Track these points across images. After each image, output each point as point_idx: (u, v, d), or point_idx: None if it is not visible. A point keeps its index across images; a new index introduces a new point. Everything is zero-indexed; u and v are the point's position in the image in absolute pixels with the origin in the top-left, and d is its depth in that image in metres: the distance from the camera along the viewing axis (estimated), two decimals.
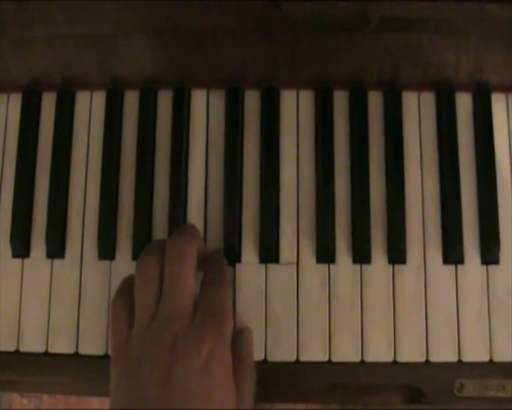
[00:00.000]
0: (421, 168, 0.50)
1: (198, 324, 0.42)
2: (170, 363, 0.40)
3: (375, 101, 0.51)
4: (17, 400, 0.71)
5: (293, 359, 0.47)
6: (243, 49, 0.48)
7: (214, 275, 0.46)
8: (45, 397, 0.71)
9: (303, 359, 0.47)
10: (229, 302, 0.45)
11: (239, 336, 0.46)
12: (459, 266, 0.49)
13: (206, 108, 0.51)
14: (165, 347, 0.41)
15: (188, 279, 0.43)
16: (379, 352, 0.48)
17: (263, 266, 0.49)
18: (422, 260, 0.49)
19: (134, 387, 0.40)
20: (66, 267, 0.49)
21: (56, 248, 0.49)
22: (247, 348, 0.46)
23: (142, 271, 0.44)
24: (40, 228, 0.50)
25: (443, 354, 0.48)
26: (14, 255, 0.49)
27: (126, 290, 0.45)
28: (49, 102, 0.51)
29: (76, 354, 0.48)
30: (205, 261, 0.47)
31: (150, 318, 0.42)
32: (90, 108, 0.51)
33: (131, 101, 0.51)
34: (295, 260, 0.49)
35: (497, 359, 0.48)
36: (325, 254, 0.49)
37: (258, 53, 0.48)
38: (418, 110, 0.51)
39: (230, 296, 0.46)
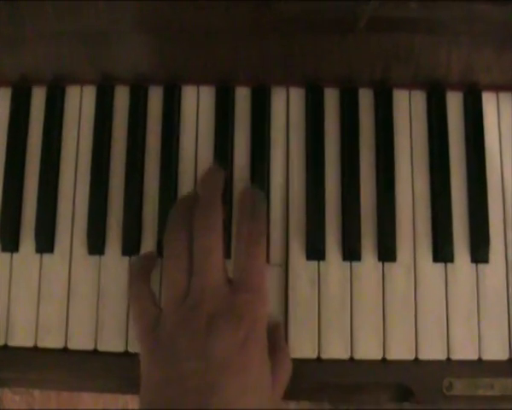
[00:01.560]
0: (412, 167, 0.50)
1: (236, 299, 0.42)
2: (206, 340, 0.40)
3: (365, 99, 0.51)
4: (8, 396, 0.71)
5: None
6: (234, 48, 0.48)
7: (250, 230, 0.44)
8: (37, 394, 0.71)
9: (292, 356, 0.47)
10: (264, 277, 0.44)
11: (274, 327, 0.46)
12: (449, 265, 0.49)
13: (196, 104, 0.51)
14: (201, 322, 0.40)
15: (218, 251, 0.43)
16: (368, 349, 0.48)
17: None
18: (412, 259, 0.49)
19: (169, 362, 0.40)
20: (55, 262, 0.49)
21: (46, 243, 0.49)
22: (281, 337, 0.46)
23: (171, 246, 0.44)
24: (29, 223, 0.49)
25: (432, 352, 0.48)
26: (4, 250, 0.49)
27: (143, 270, 0.46)
28: (39, 97, 0.51)
29: (65, 350, 0.48)
30: (239, 209, 0.46)
31: (183, 294, 0.42)
32: (80, 103, 0.51)
33: (122, 97, 0.51)
34: (285, 260, 0.49)
35: (486, 357, 0.48)
36: (315, 251, 0.49)
37: (249, 51, 0.48)
38: (409, 109, 0.51)
39: (266, 270, 0.45)
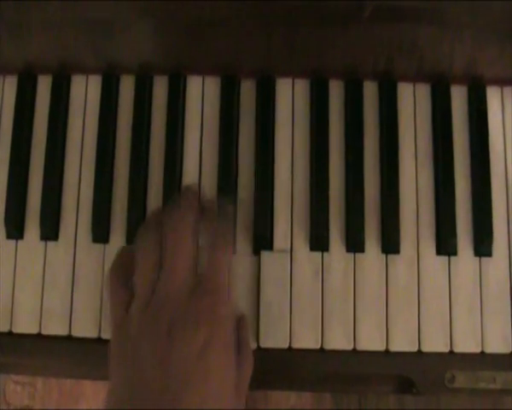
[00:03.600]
0: (416, 159, 0.51)
1: (194, 305, 0.42)
2: (168, 346, 0.40)
3: (370, 92, 0.51)
4: (11, 387, 0.71)
5: (286, 346, 0.48)
6: (239, 38, 0.48)
7: (217, 245, 0.45)
8: (39, 385, 0.71)
9: (295, 346, 0.48)
10: (224, 277, 0.44)
11: (238, 321, 0.46)
12: (452, 258, 0.49)
13: (201, 94, 0.51)
14: (162, 329, 0.40)
15: (186, 253, 0.43)
16: (371, 341, 0.48)
17: (257, 254, 0.49)
18: (416, 251, 0.49)
19: (133, 367, 0.40)
20: (59, 250, 0.49)
21: (50, 231, 0.49)
22: (245, 333, 0.46)
23: (141, 246, 0.44)
24: (34, 210, 0.50)
25: (434, 344, 0.48)
26: (8, 237, 0.49)
27: (121, 263, 0.45)
28: (44, 86, 0.52)
29: (69, 337, 0.48)
30: (204, 221, 0.46)
31: (150, 293, 0.42)
32: (85, 92, 0.52)
33: (127, 86, 0.52)
34: (289, 248, 0.49)
35: (488, 350, 0.48)
36: (319, 242, 0.49)
37: (254, 41, 0.48)
38: (413, 102, 0.51)
39: (228, 268, 0.45)
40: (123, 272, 0.45)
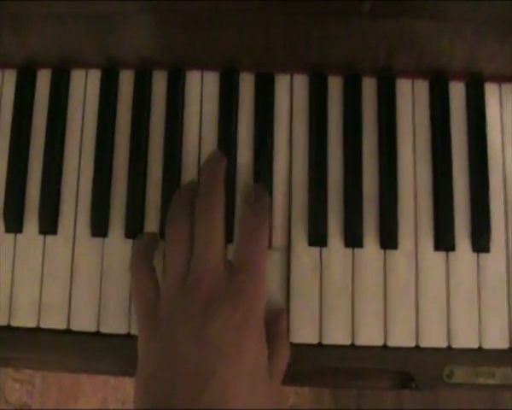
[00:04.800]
0: (414, 155, 0.51)
1: (232, 284, 0.42)
2: (203, 323, 0.40)
3: (369, 87, 0.51)
4: (9, 384, 0.71)
5: None
6: (239, 32, 0.48)
7: (252, 231, 0.45)
8: (38, 382, 0.71)
9: (294, 341, 0.47)
10: (264, 263, 0.44)
11: (276, 312, 0.46)
12: (450, 253, 0.49)
13: (200, 90, 0.51)
14: (198, 306, 0.41)
15: (218, 241, 0.43)
16: (370, 336, 0.48)
17: None
18: (414, 246, 0.49)
19: (166, 345, 0.40)
20: (58, 244, 0.49)
21: (49, 225, 0.49)
22: (282, 324, 0.47)
23: (172, 231, 0.44)
24: (33, 204, 0.50)
25: (433, 339, 0.48)
26: (7, 230, 0.49)
27: (145, 252, 0.46)
28: (44, 80, 0.52)
29: (68, 331, 0.48)
30: (244, 199, 0.47)
31: (182, 279, 0.42)
32: (85, 86, 0.51)
33: (126, 81, 0.51)
34: (287, 245, 0.49)
35: (486, 346, 0.48)
36: (317, 237, 0.49)
37: (253, 36, 0.48)
38: (412, 97, 0.51)
39: (266, 257, 0.45)
40: (147, 259, 0.45)
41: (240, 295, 0.41)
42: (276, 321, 0.46)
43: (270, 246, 0.49)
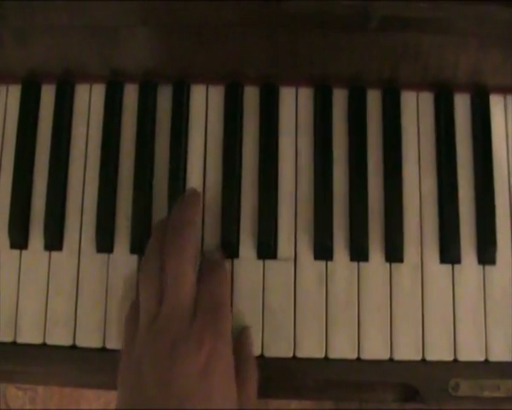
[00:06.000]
0: (419, 168, 0.51)
1: (196, 324, 0.42)
2: (170, 364, 0.40)
3: (374, 100, 0.51)
4: (12, 392, 0.71)
5: (290, 355, 0.48)
6: (243, 45, 0.48)
7: (211, 268, 0.46)
8: (40, 390, 0.71)
9: (299, 355, 0.47)
10: (226, 298, 0.45)
11: (240, 336, 0.46)
12: (456, 266, 0.49)
13: (205, 102, 0.51)
14: (165, 348, 0.41)
15: (188, 277, 0.43)
16: (375, 349, 0.48)
17: (260, 261, 0.49)
18: (419, 259, 0.49)
19: (136, 385, 0.41)
20: (64, 260, 0.49)
21: (54, 241, 0.49)
22: (249, 347, 0.46)
23: (144, 272, 0.45)
24: (38, 220, 0.49)
25: (439, 352, 0.48)
26: (13, 246, 0.49)
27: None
28: (48, 94, 0.51)
29: (73, 347, 0.48)
30: (202, 255, 0.47)
31: (153, 317, 0.43)
32: (89, 100, 0.51)
33: (131, 94, 0.51)
34: (293, 257, 0.49)
35: (492, 359, 0.48)
36: (323, 251, 0.49)
37: (258, 49, 0.48)
38: (417, 110, 0.51)
39: (228, 291, 0.46)
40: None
41: (202, 338, 0.41)
42: (242, 347, 0.46)
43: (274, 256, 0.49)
